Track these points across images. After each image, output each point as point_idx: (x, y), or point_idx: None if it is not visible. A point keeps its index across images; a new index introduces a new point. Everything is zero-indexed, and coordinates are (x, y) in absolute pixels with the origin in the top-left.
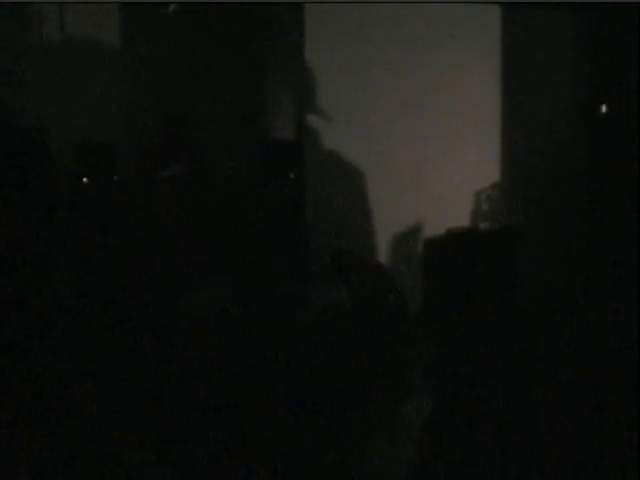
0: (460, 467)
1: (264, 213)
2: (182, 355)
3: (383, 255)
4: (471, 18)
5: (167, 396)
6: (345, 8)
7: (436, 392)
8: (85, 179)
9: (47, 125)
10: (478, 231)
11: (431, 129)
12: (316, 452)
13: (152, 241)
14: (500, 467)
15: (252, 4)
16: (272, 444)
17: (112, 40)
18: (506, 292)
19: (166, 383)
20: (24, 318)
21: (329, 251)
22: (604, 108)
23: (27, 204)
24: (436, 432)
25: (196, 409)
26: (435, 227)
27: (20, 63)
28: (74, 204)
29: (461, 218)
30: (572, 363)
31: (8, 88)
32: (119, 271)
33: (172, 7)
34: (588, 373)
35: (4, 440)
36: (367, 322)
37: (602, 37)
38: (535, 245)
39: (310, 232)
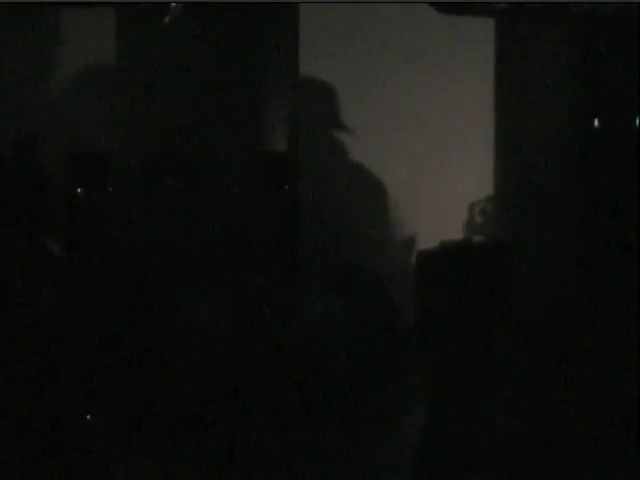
0: (457, 476)
1: (259, 224)
2: (178, 363)
3: (378, 266)
4: (467, 26)
5: (163, 401)
6: (340, 15)
7: (430, 404)
8: (80, 190)
9: (43, 136)
10: (472, 243)
11: (426, 142)
12: (310, 459)
13: (147, 252)
14: (497, 475)
15: (248, 14)
16: (266, 451)
17: (108, 50)
18: (500, 305)
19: (163, 389)
20: (19, 325)
21: (324, 263)
22: (597, 122)
23: (22, 214)
24: (432, 443)
25: (191, 414)
26: (429, 239)
27: (16, 73)
28: (69, 214)
29: (455, 230)
30: (566, 375)
31: (3, 98)
32: (113, 281)
33: (168, 18)
34: (583, 385)
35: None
36: (361, 333)
37: (598, 48)
38: (529, 258)
39: (305, 244)
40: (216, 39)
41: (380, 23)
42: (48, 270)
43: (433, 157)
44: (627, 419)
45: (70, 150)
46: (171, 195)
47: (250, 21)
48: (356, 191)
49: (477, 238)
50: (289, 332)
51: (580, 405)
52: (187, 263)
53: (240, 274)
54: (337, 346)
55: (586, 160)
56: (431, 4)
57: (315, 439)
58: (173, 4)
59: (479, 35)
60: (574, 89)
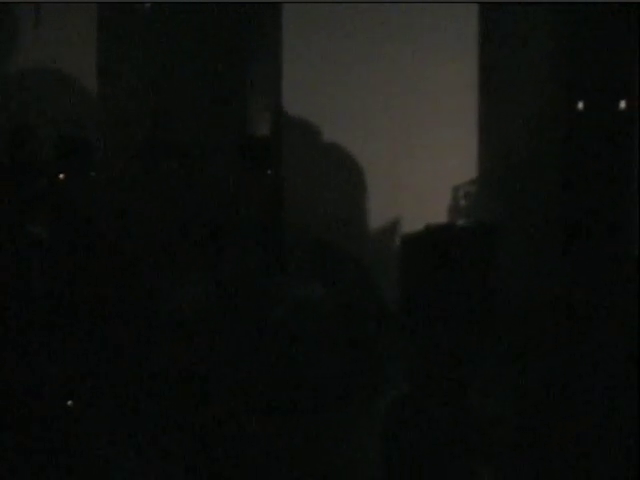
0: (441, 460)
1: (242, 209)
2: (162, 348)
3: (361, 251)
4: (450, 16)
5: (146, 386)
6: (323, 7)
7: (415, 388)
8: (62, 175)
9: (25, 121)
10: (456, 227)
11: (409, 125)
12: (293, 448)
13: (129, 237)
14: (481, 462)
15: (231, 3)
16: (249, 439)
17: (91, 35)
18: (484, 288)
19: (146, 374)
20: (2, 311)
21: (307, 247)
22: (582, 105)
23: (4, 199)
24: (416, 427)
25: (174, 399)
26: (413, 223)
27: None
28: (51, 199)
29: (439, 214)
30: (551, 358)
31: None
32: (96, 267)
33: (148, 4)
34: (569, 368)
35: None
36: (345, 318)
37: (582, 33)
38: (513, 241)
39: (288, 228)
40: (202, 26)
41: (363, 11)
42: (31, 255)
43: (417, 141)
44: (616, 403)
45: (52, 136)
46: (154, 179)
47: (235, 8)
48: (340, 176)
49: (462, 221)
50: (272, 317)
51: (567, 389)
52: (169, 247)
53: (223, 258)
54: (321, 331)
55: (570, 143)
56: None
57: (299, 424)
58: None
59: (462, 18)
60: (558, 72)
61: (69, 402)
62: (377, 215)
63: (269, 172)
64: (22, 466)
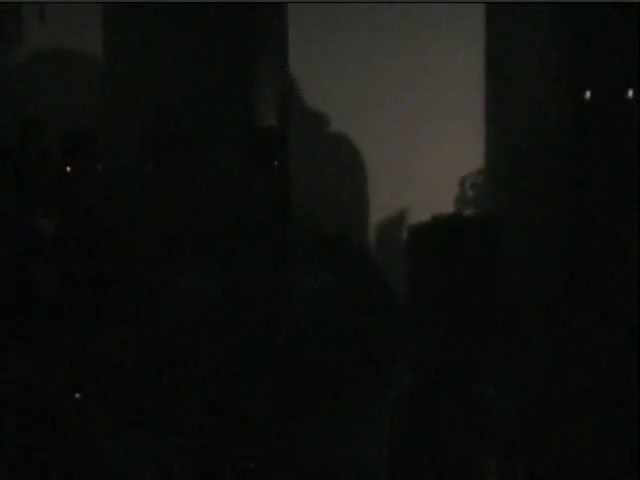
0: (446, 453)
1: (249, 201)
2: (169, 342)
3: (368, 242)
4: (456, 11)
5: (153, 380)
6: (326, 6)
7: (421, 380)
8: (68, 168)
9: (31, 115)
10: (463, 218)
11: (416, 116)
12: (299, 441)
13: (136, 229)
14: (489, 458)
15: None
16: (257, 432)
17: (97, 29)
18: (491, 279)
19: (152, 368)
20: (9, 304)
21: (314, 239)
22: (588, 95)
23: (10, 192)
24: (421, 420)
25: (181, 392)
26: (420, 214)
27: (3, 54)
28: (57, 193)
29: (446, 205)
30: (557, 351)
31: None
32: (102, 260)
33: None
34: (575, 360)
35: None
36: (352, 310)
37: (588, 24)
38: (521, 232)
39: (295, 220)
40: (209, 20)
41: (368, 6)
42: (38, 248)
43: (424, 132)
44: (621, 397)
45: (59, 130)
46: (160, 173)
47: (241, 5)
48: (346, 167)
49: (469, 212)
50: (279, 308)
51: (572, 382)
52: (176, 240)
53: (229, 251)
54: (327, 324)
55: (577, 133)
56: None
57: (307, 415)
58: None
59: (469, 11)
60: (565, 62)
61: (77, 395)
62: (383, 206)
63: (275, 164)
64: (31, 460)
